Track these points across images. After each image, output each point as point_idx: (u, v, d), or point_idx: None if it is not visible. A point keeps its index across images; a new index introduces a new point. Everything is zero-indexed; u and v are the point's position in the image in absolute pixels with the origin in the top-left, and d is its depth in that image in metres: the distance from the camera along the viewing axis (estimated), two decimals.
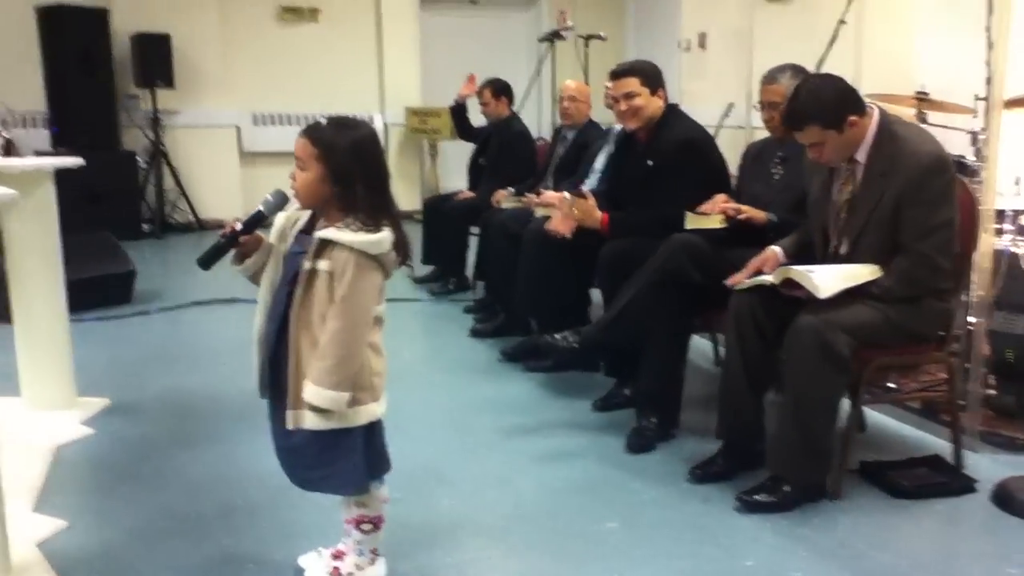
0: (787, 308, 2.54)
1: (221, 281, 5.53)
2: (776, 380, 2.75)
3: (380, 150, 2.00)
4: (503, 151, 5.28)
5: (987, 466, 2.77)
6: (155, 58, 7.44)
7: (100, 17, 7.31)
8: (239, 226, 2.01)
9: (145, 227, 7.53)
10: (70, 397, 3.34)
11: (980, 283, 3.03)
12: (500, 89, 5.38)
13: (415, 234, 5.52)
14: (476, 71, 5.76)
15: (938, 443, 2.94)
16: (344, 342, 1.88)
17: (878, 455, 2.82)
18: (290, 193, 2.02)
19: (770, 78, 3.06)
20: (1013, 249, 3.27)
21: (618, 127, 3.83)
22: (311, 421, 1.93)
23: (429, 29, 8.92)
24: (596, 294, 3.62)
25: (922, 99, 3.61)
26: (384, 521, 2.10)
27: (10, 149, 3.50)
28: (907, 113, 3.73)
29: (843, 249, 2.63)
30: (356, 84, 8.36)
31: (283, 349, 1.96)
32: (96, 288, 4.79)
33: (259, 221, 2.02)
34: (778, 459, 2.53)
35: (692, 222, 3.03)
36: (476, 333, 4.37)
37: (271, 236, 2.04)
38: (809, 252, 2.74)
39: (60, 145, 6.93)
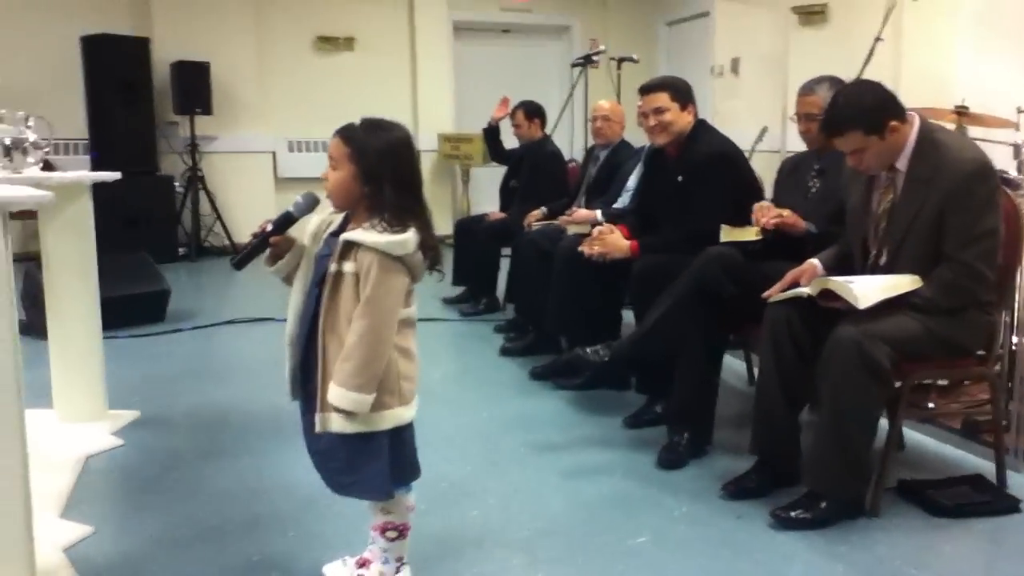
0: (824, 321, 2.48)
1: (255, 301, 5.61)
2: (812, 396, 2.69)
3: (413, 153, 1.99)
4: (535, 173, 5.29)
5: None
6: (194, 85, 7.58)
7: (142, 46, 7.48)
8: (269, 227, 2.01)
9: (181, 250, 7.63)
10: (101, 410, 3.35)
11: (1022, 297, 2.96)
12: (533, 111, 5.40)
13: (447, 256, 5.53)
14: (509, 98, 5.80)
15: (979, 463, 2.85)
16: (368, 344, 1.86)
17: (917, 474, 2.74)
18: (321, 195, 2.02)
19: (807, 89, 3.02)
20: None
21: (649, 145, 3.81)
22: (337, 424, 1.91)
23: (463, 57, 9.02)
24: (628, 315, 3.58)
25: (962, 113, 3.55)
26: (410, 529, 2.07)
27: (48, 165, 3.56)
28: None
29: (883, 259, 2.57)
30: (390, 111, 8.07)
31: (313, 352, 1.96)
32: (130, 306, 4.84)
33: (288, 222, 2.03)
34: (815, 474, 2.46)
35: (727, 234, 2.99)
36: (506, 352, 4.34)
37: (305, 238, 2.04)
38: (847, 265, 2.68)
39: (99, 170, 7.04)
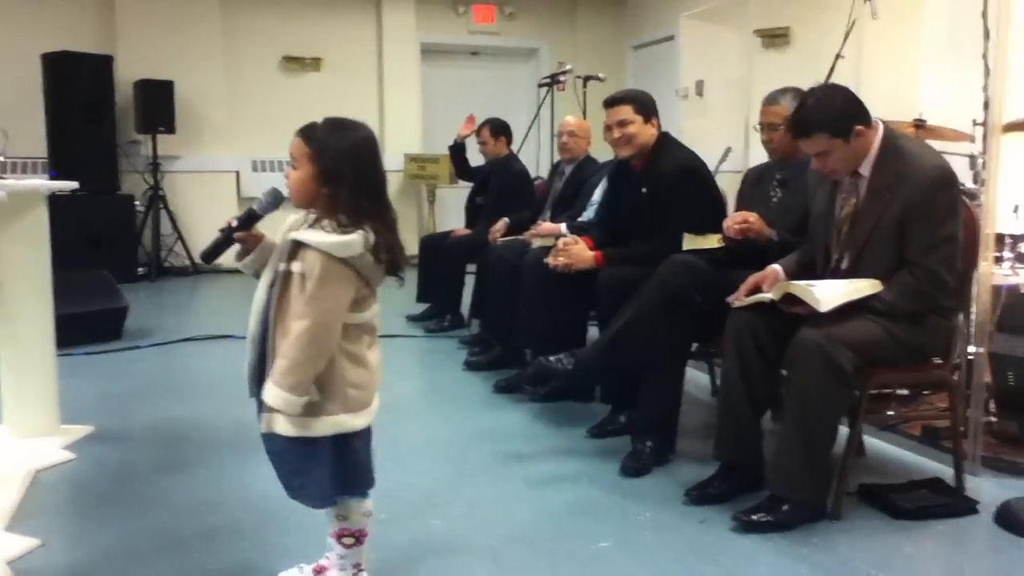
0: (787, 326, 2.49)
1: (214, 319, 5.54)
2: (776, 400, 2.70)
3: (375, 153, 1.94)
4: (502, 190, 5.29)
5: (989, 489, 2.70)
6: (157, 104, 7.53)
7: (105, 63, 7.41)
8: (235, 223, 1.98)
9: (141, 270, 7.51)
10: (53, 425, 3.26)
11: (980, 310, 3.00)
12: (499, 128, 5.42)
13: (411, 274, 5.50)
14: (475, 115, 5.81)
15: (939, 468, 2.87)
16: (301, 345, 1.82)
17: (878, 479, 2.75)
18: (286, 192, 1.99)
19: (771, 100, 3.05)
20: (1014, 279, 3.24)
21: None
22: (281, 426, 1.87)
23: (430, 79, 9.05)
24: (593, 331, 3.58)
25: (919, 126, 3.61)
26: (367, 536, 2.03)
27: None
28: None
29: (844, 264, 2.59)
30: None
31: (268, 350, 1.92)
32: (87, 323, 4.75)
33: (252, 219, 1.99)
34: (778, 477, 2.46)
35: (690, 242, 3.01)
36: (470, 366, 4.31)
37: (278, 235, 2.00)
38: (810, 271, 2.70)
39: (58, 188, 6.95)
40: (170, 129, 7.60)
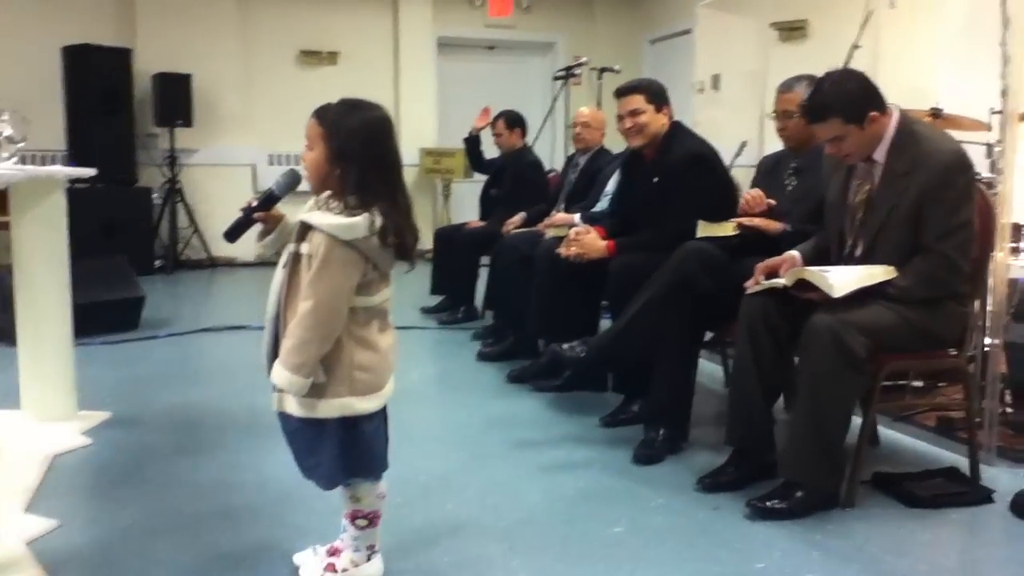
0: (800, 312, 2.49)
1: (231, 310, 5.57)
2: (788, 386, 2.69)
3: (387, 135, 1.93)
4: (516, 182, 5.29)
5: (1005, 479, 2.69)
6: (175, 97, 7.56)
7: (124, 56, 7.45)
8: (255, 203, 2.00)
9: (158, 263, 7.57)
10: (70, 410, 3.29)
11: (995, 301, 2.98)
12: (513, 120, 5.42)
13: (425, 266, 5.53)
14: (490, 107, 5.81)
15: (954, 458, 2.86)
16: (305, 326, 1.83)
17: (892, 468, 2.74)
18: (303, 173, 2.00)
19: (786, 87, 3.04)
20: None
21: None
22: (291, 406, 1.89)
23: (447, 73, 9.06)
24: (605, 323, 3.58)
25: (936, 115, 3.58)
26: (380, 517, 2.04)
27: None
28: None
29: (859, 251, 2.58)
30: None
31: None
32: (104, 312, 4.78)
33: (271, 201, 2.00)
34: (791, 463, 2.45)
35: (703, 230, 3.00)
36: (484, 356, 4.32)
37: (297, 217, 2.01)
38: (826, 257, 2.69)
39: (76, 181, 6.99)
40: (187, 122, 7.63)
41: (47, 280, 3.21)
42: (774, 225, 2.96)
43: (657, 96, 3.35)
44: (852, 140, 2.48)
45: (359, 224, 1.83)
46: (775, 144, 3.37)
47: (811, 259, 2.68)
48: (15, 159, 3.11)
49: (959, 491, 2.54)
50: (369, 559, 2.05)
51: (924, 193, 2.43)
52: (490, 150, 5.75)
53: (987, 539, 2.37)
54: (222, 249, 7.85)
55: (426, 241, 7.41)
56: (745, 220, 2.98)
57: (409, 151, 8.36)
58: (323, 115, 1.92)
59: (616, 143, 4.54)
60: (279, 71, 8.43)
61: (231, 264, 7.92)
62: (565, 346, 3.01)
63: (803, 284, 2.49)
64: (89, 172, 3.33)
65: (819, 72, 2.81)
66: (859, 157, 2.55)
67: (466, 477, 2.76)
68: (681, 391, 2.99)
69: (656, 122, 3.33)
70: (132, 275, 5.16)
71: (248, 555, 2.20)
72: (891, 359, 2.50)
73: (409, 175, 8.58)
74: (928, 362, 2.71)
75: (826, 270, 2.46)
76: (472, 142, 5.76)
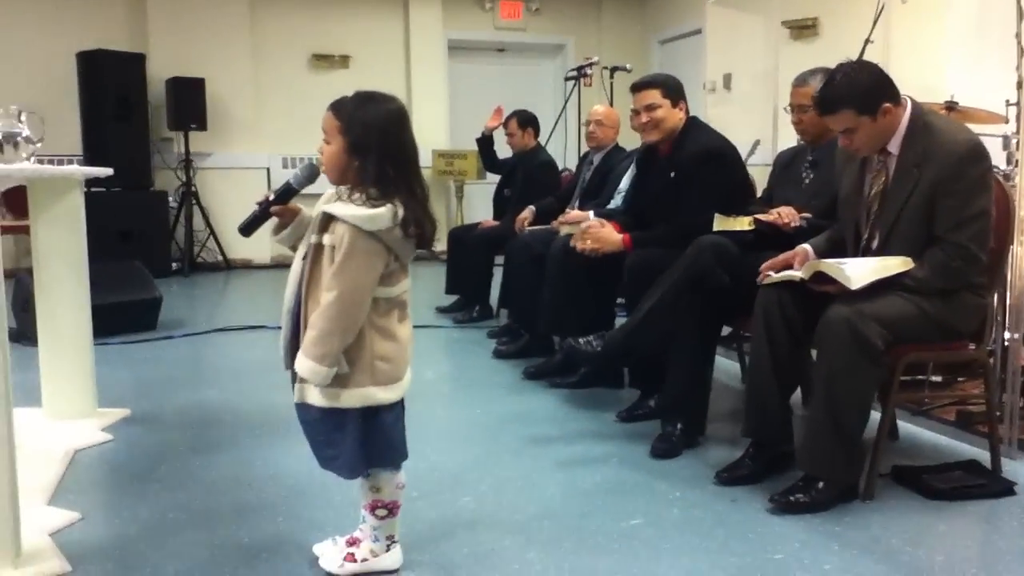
0: (816, 304, 2.48)
1: (247, 311, 5.60)
2: (805, 380, 2.69)
3: (404, 126, 1.95)
4: (529, 181, 5.30)
5: None
6: (189, 102, 7.63)
7: (138, 61, 7.52)
8: (272, 196, 2.01)
9: (174, 265, 7.62)
10: (90, 407, 3.32)
11: (1014, 295, 2.96)
12: (526, 120, 5.43)
13: (439, 266, 5.54)
14: (503, 107, 5.82)
15: (973, 451, 2.85)
16: (329, 316, 1.85)
17: (911, 461, 2.72)
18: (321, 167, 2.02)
19: (801, 80, 3.04)
20: None
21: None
22: (313, 396, 1.90)
23: (457, 75, 9.10)
24: (620, 320, 3.58)
25: (951, 108, 3.57)
26: (400, 507, 2.05)
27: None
28: None
29: (875, 243, 2.57)
30: None
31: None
32: (122, 314, 4.82)
33: (289, 194, 2.03)
34: (810, 455, 2.44)
35: (720, 224, 2.99)
36: (499, 354, 4.33)
37: (315, 210, 2.03)
38: (840, 250, 2.68)
39: (93, 186, 7.06)
40: (201, 126, 7.69)
41: (66, 280, 3.24)
42: (793, 221, 2.94)
43: (673, 91, 3.34)
44: (865, 132, 2.47)
45: (383, 215, 1.85)
46: (788, 143, 3.37)
47: (823, 253, 2.68)
48: (32, 159, 3.14)
49: (979, 483, 2.52)
50: (388, 549, 2.06)
51: (938, 184, 2.42)
52: (503, 150, 5.77)
53: (1007, 530, 2.35)
54: (238, 251, 7.90)
55: (440, 242, 7.45)
56: (761, 215, 2.98)
57: (421, 153, 8.30)
58: (340, 108, 1.94)
59: (630, 141, 4.54)
60: (291, 75, 8.49)
61: (247, 266, 7.97)
62: (581, 340, 3.01)
63: (819, 276, 2.48)
64: (106, 171, 3.36)
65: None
66: (872, 149, 2.55)
67: (482, 472, 2.76)
68: (697, 385, 2.98)
69: (672, 117, 3.33)
70: (148, 277, 5.19)
71: (265, 547, 2.21)
72: (909, 351, 2.49)
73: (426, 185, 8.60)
74: (947, 354, 2.69)
75: (843, 262, 2.46)
76: (485, 142, 5.78)
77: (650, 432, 3.01)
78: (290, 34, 8.48)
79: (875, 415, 2.56)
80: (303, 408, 1.95)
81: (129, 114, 7.39)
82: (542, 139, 5.56)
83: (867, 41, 4.07)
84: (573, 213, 4.09)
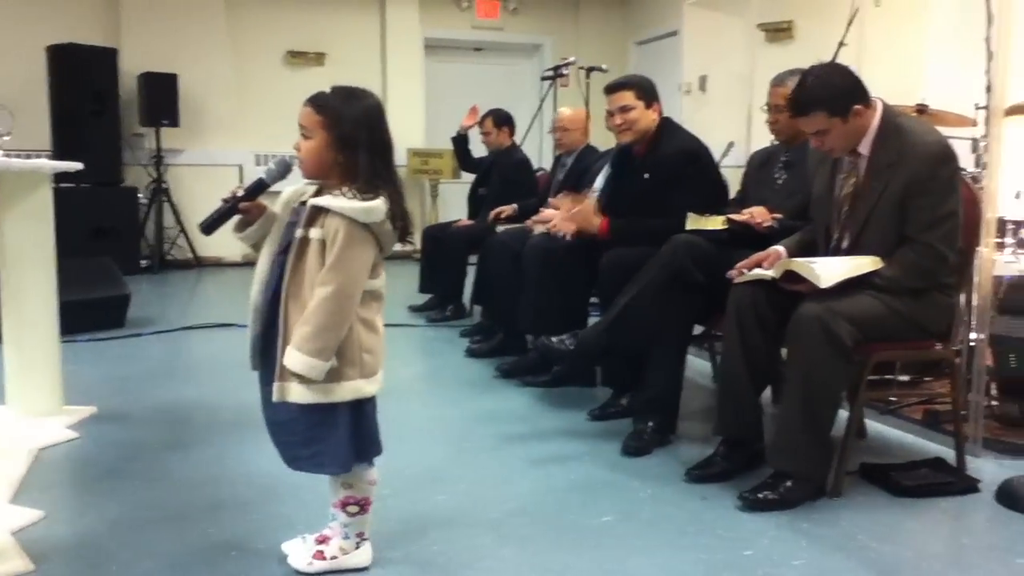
0: (788, 302, 2.50)
1: (217, 308, 5.55)
2: (776, 378, 2.70)
3: (385, 120, 1.97)
4: (504, 180, 5.30)
5: (991, 469, 2.71)
6: (161, 97, 7.54)
7: (109, 56, 7.42)
8: (240, 192, 1.99)
9: (144, 262, 7.53)
10: (56, 405, 3.27)
11: (980, 296, 3.00)
12: (502, 119, 5.43)
13: (413, 265, 5.52)
14: (478, 106, 5.82)
15: (940, 450, 2.88)
16: (328, 310, 1.84)
17: (879, 459, 2.75)
18: (295, 163, 2.01)
19: (779, 81, 3.06)
20: (1015, 267, 3.25)
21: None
22: (296, 394, 1.88)
23: (434, 74, 9.07)
24: (595, 320, 3.59)
25: (922, 111, 3.61)
26: (371, 504, 2.04)
27: None
28: None
29: (845, 243, 2.60)
30: None
31: (276, 320, 1.93)
32: (90, 310, 4.75)
33: (260, 189, 2.01)
34: (780, 453, 2.46)
35: (693, 223, 3.01)
36: (472, 353, 4.33)
37: (276, 207, 2.02)
38: (811, 250, 2.70)
39: (63, 181, 6.97)
40: (174, 122, 7.61)
41: (34, 276, 3.19)
42: (765, 221, 2.96)
43: (647, 92, 3.36)
44: (836, 133, 2.50)
45: (379, 207, 1.87)
46: (762, 145, 3.39)
47: (795, 253, 2.69)
48: (0, 152, 3.10)
49: (945, 481, 2.56)
50: (358, 547, 2.05)
51: (909, 185, 2.45)
52: (479, 149, 5.76)
53: (973, 527, 2.39)
54: (208, 249, 7.83)
55: (414, 240, 7.43)
56: (734, 215, 2.99)
57: (397, 152, 8.31)
58: (321, 103, 1.93)
59: (603, 141, 4.56)
60: (266, 72, 8.42)
61: (218, 264, 7.90)
62: (555, 339, 3.01)
63: (791, 276, 2.50)
64: (76, 166, 3.32)
65: None
66: (843, 150, 2.57)
67: (455, 470, 2.75)
68: (671, 384, 2.99)
69: (646, 118, 3.34)
70: (118, 274, 5.14)
71: (236, 545, 2.18)
72: (878, 349, 2.51)
73: (401, 178, 8.57)
74: (916, 352, 2.72)
75: (813, 261, 2.48)
76: (460, 141, 5.77)
77: (622, 430, 3.02)
78: (265, 30, 8.41)
79: (843, 414, 2.59)
80: (277, 408, 1.92)
81: (100, 109, 7.29)
82: (518, 139, 5.57)
83: (841, 44, 4.11)
84: (547, 212, 4.09)
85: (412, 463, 2.76)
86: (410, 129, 8.61)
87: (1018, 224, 3.24)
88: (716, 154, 5.56)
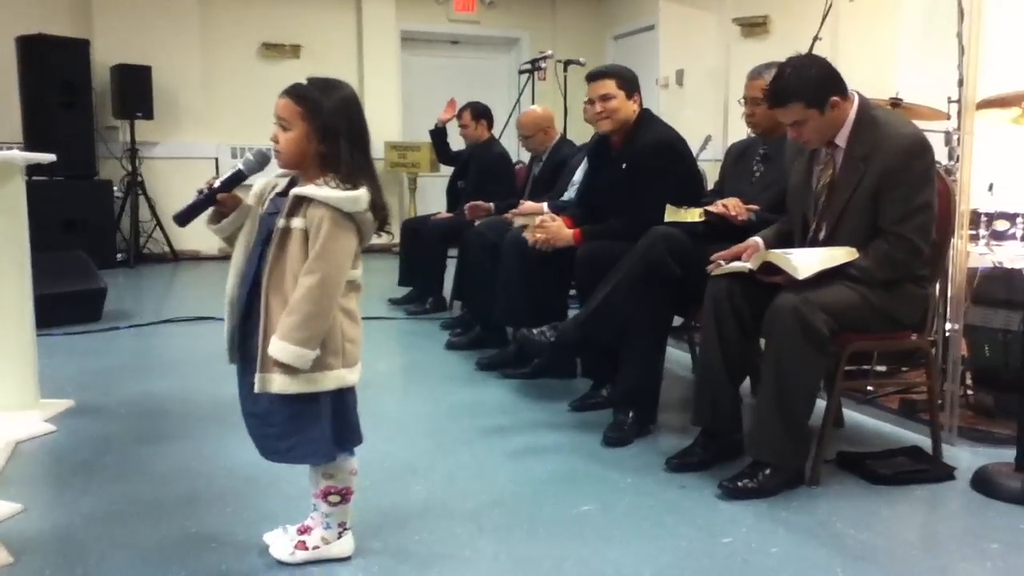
0: (765, 295, 2.52)
1: (194, 302, 5.52)
2: (754, 370, 2.73)
3: (362, 110, 1.97)
4: (483, 173, 5.30)
5: (966, 457, 2.75)
6: (135, 90, 7.47)
7: (82, 48, 7.33)
8: (217, 183, 1.98)
9: (119, 256, 7.46)
10: (32, 399, 3.24)
11: (955, 288, 3.04)
12: (480, 112, 5.43)
13: (392, 258, 5.50)
14: (456, 99, 5.81)
15: (916, 438, 2.92)
16: (314, 299, 1.84)
17: (856, 448, 2.78)
18: (272, 155, 2.00)
19: (756, 74, 3.07)
20: (989, 259, 3.29)
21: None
22: (278, 384, 1.87)
23: (411, 67, 9.05)
24: (574, 311, 3.60)
25: (896, 104, 3.65)
26: (352, 494, 2.04)
27: None
28: None
29: (822, 234, 2.62)
30: None
31: (254, 312, 1.93)
32: (65, 304, 4.71)
33: (237, 180, 2.00)
34: (758, 442, 2.48)
35: (671, 215, 3.02)
36: (452, 346, 4.33)
37: (250, 198, 2.01)
38: (788, 242, 2.73)
39: (36, 174, 6.88)
40: (148, 115, 7.54)
41: (7, 270, 3.15)
42: (742, 213, 2.98)
43: (629, 83, 3.37)
44: (813, 125, 2.52)
45: (363, 197, 1.88)
46: (739, 137, 3.41)
47: (773, 245, 2.72)
48: None
49: (921, 469, 2.59)
50: (340, 537, 2.05)
51: (884, 176, 2.47)
52: (457, 142, 5.75)
53: (947, 513, 2.42)
54: (185, 242, 7.76)
55: (393, 232, 7.41)
56: (711, 207, 3.01)
57: (374, 145, 8.29)
58: (300, 94, 1.92)
59: (580, 134, 4.57)
60: (241, 64, 8.36)
61: (195, 257, 7.83)
62: (535, 331, 3.02)
63: (768, 268, 2.52)
64: (48, 157, 3.29)
65: None
66: (820, 142, 2.59)
67: (434, 462, 2.75)
68: (650, 375, 3.01)
69: (626, 108, 3.35)
70: (92, 268, 5.09)
71: (215, 537, 2.18)
72: (854, 339, 2.54)
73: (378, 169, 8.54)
74: (890, 343, 2.75)
75: (789, 252, 2.50)
76: (438, 134, 5.76)
77: (602, 421, 3.03)
78: (240, 22, 8.35)
79: (821, 403, 2.62)
80: (255, 400, 1.92)
81: (72, 101, 7.20)
82: (496, 132, 5.56)
83: (815, 38, 4.14)
84: (526, 205, 4.11)
85: (391, 455, 2.76)
86: (387, 122, 8.58)
87: (991, 216, 3.27)
88: (694, 148, 5.60)
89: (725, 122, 6.51)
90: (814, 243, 2.64)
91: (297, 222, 1.88)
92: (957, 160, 3.11)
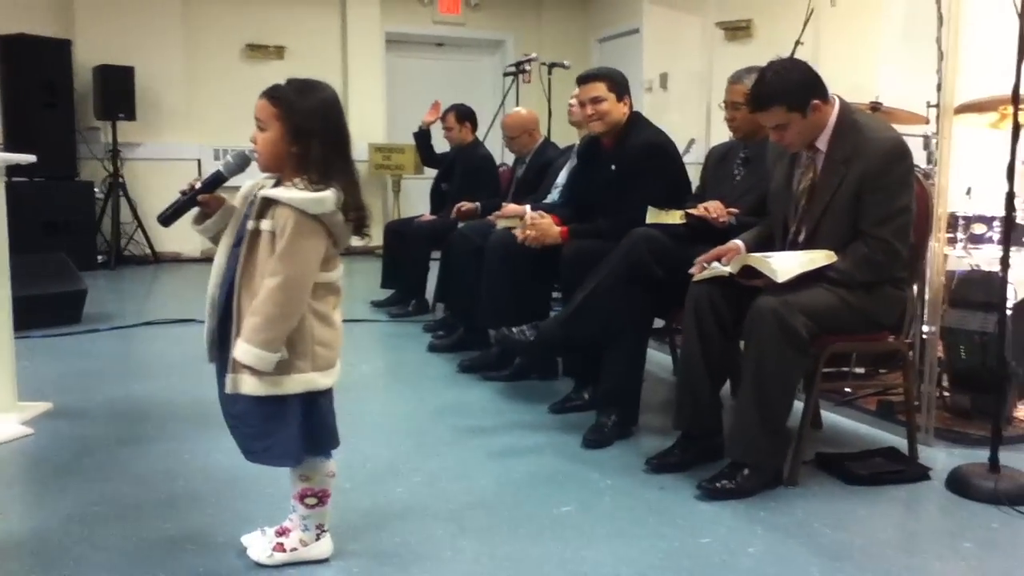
0: (745, 298, 2.53)
1: (175, 304, 5.49)
2: (734, 372, 2.74)
3: (341, 112, 1.97)
4: (467, 176, 5.31)
5: (942, 458, 2.78)
6: (117, 90, 7.44)
7: (63, 48, 7.29)
8: (199, 185, 1.98)
9: (100, 258, 7.42)
10: (9, 401, 3.20)
11: (932, 290, 3.07)
12: (464, 115, 5.43)
13: (375, 260, 5.49)
14: (440, 101, 5.81)
15: (893, 439, 2.94)
16: (275, 301, 1.83)
17: (834, 449, 2.80)
18: (253, 157, 1.99)
19: (736, 78, 3.10)
20: (966, 262, 3.32)
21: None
22: (248, 386, 1.87)
23: (395, 69, 9.05)
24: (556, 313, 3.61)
25: (876, 108, 3.68)
26: (330, 496, 2.04)
27: None
28: None
29: (802, 236, 2.64)
30: None
31: (230, 312, 1.92)
32: (45, 306, 4.68)
33: (218, 181, 2.00)
34: (738, 443, 2.50)
35: (653, 216, 3.04)
36: (434, 348, 4.33)
37: (236, 200, 2.01)
38: (769, 244, 2.75)
39: (16, 175, 6.82)
40: (130, 116, 7.51)
41: None
42: (723, 215, 3.00)
43: (619, 85, 3.38)
44: (795, 128, 2.54)
45: (329, 198, 1.85)
46: (721, 141, 3.43)
47: (754, 247, 2.74)
48: None
49: (897, 469, 2.61)
50: (318, 539, 2.05)
51: (864, 180, 2.50)
52: (441, 144, 5.76)
53: (923, 513, 2.45)
54: (166, 244, 7.73)
55: (376, 236, 7.39)
56: (692, 209, 3.03)
57: (358, 147, 8.32)
58: (278, 95, 1.92)
59: (563, 137, 4.57)
60: (225, 65, 8.33)
61: (176, 259, 7.80)
62: (515, 330, 3.02)
63: (748, 271, 2.54)
64: (29, 158, 3.26)
65: None
66: (801, 145, 2.62)
67: (414, 463, 2.75)
68: (631, 376, 3.02)
69: (617, 111, 3.37)
70: (73, 269, 5.06)
71: (193, 539, 2.17)
72: (832, 341, 2.56)
73: (359, 171, 8.52)
74: (869, 345, 2.78)
75: (769, 256, 2.52)
76: (422, 136, 5.76)
77: (583, 423, 3.04)
78: (224, 23, 8.32)
79: (799, 404, 2.64)
80: (232, 401, 1.92)
81: (53, 102, 7.16)
82: (480, 134, 5.57)
83: (797, 43, 4.18)
84: (509, 207, 4.11)
85: (372, 456, 2.76)
86: (371, 124, 8.57)
87: (969, 220, 3.31)
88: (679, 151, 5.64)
89: (708, 125, 6.52)
90: (794, 245, 2.66)
91: (266, 224, 1.87)
92: (935, 164, 3.14)
